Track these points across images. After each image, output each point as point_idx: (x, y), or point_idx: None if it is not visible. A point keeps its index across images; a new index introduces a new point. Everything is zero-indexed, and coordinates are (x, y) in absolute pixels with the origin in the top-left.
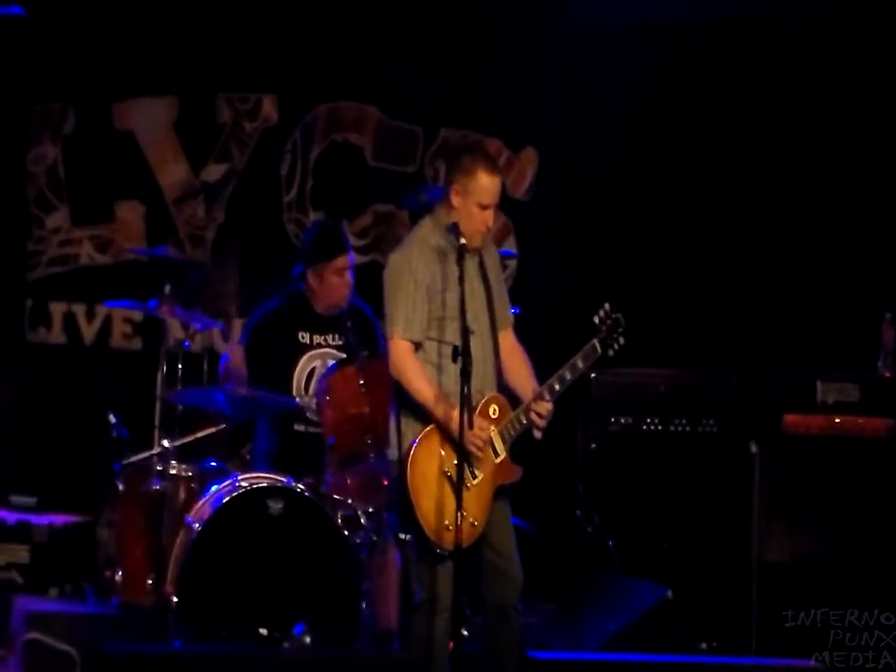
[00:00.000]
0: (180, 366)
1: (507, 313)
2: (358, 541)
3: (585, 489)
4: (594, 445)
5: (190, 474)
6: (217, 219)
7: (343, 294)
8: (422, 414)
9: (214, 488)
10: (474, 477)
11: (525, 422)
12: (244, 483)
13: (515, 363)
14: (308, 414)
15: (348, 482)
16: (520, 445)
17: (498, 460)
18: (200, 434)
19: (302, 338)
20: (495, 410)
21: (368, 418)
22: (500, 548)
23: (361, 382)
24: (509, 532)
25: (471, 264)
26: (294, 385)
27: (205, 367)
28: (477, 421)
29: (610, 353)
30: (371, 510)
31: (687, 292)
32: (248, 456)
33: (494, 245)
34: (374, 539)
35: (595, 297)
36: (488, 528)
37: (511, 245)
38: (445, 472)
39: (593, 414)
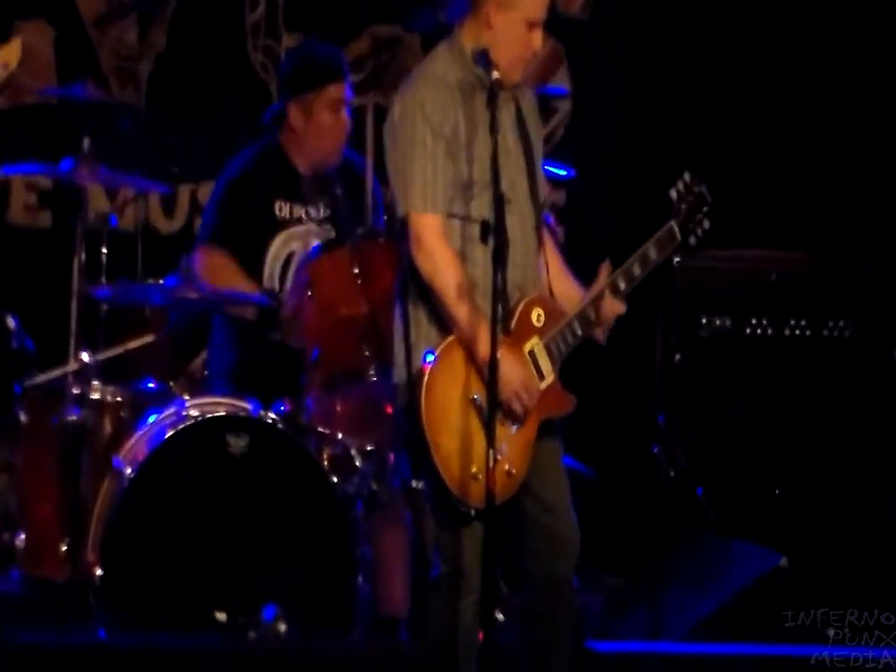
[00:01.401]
0: (104, 250)
1: (544, 185)
2: (352, 491)
3: (666, 417)
4: (678, 357)
5: (119, 399)
6: (156, 46)
7: (338, 140)
8: (442, 319)
9: (152, 419)
10: None
11: (579, 332)
12: (193, 412)
13: (548, 257)
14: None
15: (338, 409)
16: (576, 357)
17: (545, 385)
18: (132, 344)
19: (280, 210)
20: (539, 315)
21: (365, 321)
22: (549, 501)
23: (356, 271)
24: (560, 479)
25: (506, 111)
26: (265, 275)
27: (140, 250)
28: (525, 379)
29: (692, 240)
30: (369, 448)
31: (805, 147)
32: (200, 375)
33: (530, 88)
34: (374, 488)
35: (674, 154)
36: (532, 475)
37: (562, 81)
38: (474, 400)
39: (677, 314)
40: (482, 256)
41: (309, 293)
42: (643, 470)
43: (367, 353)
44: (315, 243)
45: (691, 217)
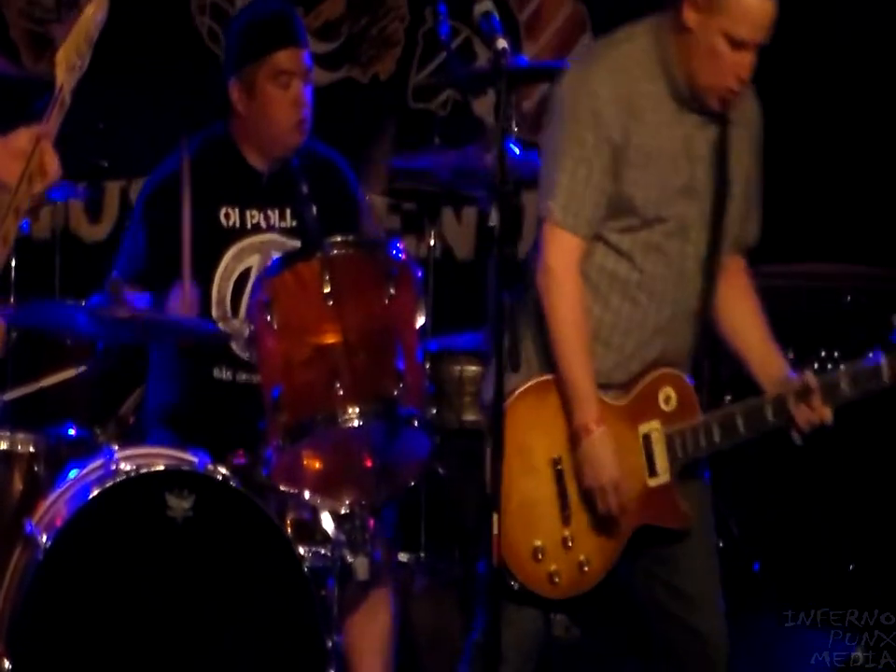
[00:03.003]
0: (13, 262)
1: (751, 226)
2: (322, 565)
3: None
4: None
5: (33, 450)
6: (78, 6)
7: (291, 118)
8: (549, 354)
9: (73, 474)
10: None
11: (717, 440)
12: (125, 466)
13: (741, 307)
14: (237, 350)
15: (305, 462)
16: None
17: (654, 483)
18: (49, 381)
19: (227, 217)
20: (669, 398)
21: (339, 352)
22: (690, 587)
23: (327, 290)
24: (706, 556)
25: (702, 137)
26: (213, 299)
27: (58, 262)
28: (618, 478)
29: None
30: (343, 511)
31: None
32: (133, 419)
33: (750, 102)
34: (350, 560)
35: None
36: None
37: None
38: (555, 463)
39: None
40: (618, 301)
41: (268, 317)
42: None
43: (341, 392)
44: (277, 255)
45: None
